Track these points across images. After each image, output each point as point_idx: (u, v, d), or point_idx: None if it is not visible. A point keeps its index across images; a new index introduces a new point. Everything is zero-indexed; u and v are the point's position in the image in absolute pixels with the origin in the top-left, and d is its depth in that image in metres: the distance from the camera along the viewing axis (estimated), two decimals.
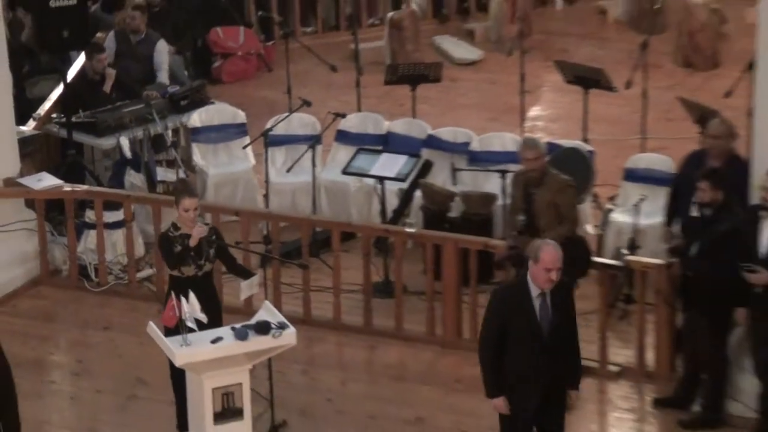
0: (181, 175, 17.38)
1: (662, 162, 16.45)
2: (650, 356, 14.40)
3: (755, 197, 13.13)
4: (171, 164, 17.64)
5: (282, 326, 12.32)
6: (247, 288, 13.29)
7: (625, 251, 14.84)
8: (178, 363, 12.23)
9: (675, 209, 14.48)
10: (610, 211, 16.37)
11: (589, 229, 16.65)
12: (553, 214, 13.84)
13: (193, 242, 12.87)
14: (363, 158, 16.92)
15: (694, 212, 13.74)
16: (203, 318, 12.24)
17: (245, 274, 13.63)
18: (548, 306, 10.20)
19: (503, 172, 16.38)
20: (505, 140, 17.33)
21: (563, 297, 10.38)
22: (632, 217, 15.44)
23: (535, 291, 10.13)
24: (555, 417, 10.64)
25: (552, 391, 10.44)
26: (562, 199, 13.97)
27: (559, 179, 14.26)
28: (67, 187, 16.34)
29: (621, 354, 14.72)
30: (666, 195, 15.20)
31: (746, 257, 12.65)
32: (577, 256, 13.63)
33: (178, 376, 12.98)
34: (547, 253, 10.07)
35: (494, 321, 10.44)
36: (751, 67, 14.48)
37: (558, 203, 13.91)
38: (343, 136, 18.00)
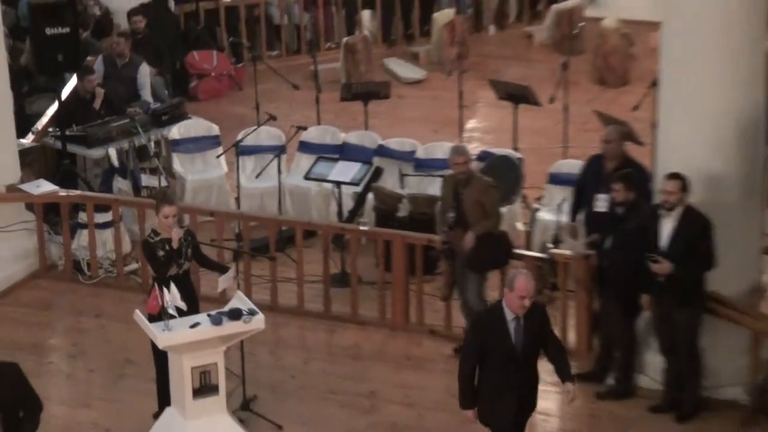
0: (163, 181, 17.46)
1: (584, 168, 15.73)
2: (571, 336, 14.54)
3: (657, 198, 13.23)
4: (154, 171, 17.60)
5: (252, 313, 12.42)
6: (224, 281, 13.32)
7: (549, 245, 14.98)
8: (160, 345, 12.21)
9: (578, 206, 14.67)
10: (536, 210, 16.38)
11: (519, 226, 16.70)
12: (479, 211, 13.89)
13: (175, 244, 12.90)
14: (322, 165, 16.93)
15: (597, 208, 14.20)
16: (183, 306, 12.34)
17: (220, 268, 13.68)
18: (522, 328, 10.09)
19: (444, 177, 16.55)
20: (446, 149, 16.16)
21: (538, 318, 10.28)
22: (555, 216, 15.47)
23: (510, 315, 10.04)
24: (521, 423, 10.57)
25: (525, 403, 10.42)
26: (487, 198, 14.05)
27: (483, 181, 14.44)
28: (62, 192, 16.38)
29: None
30: (573, 196, 15.30)
31: (650, 250, 12.83)
32: (499, 249, 14.12)
33: (159, 357, 12.94)
34: (520, 282, 10.00)
35: (474, 342, 10.41)
36: (654, 84, 14.76)
37: (483, 202, 13.97)
38: (304, 147, 18.00)
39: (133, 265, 16.24)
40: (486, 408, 10.38)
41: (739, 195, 13.26)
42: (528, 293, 10.01)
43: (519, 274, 10.26)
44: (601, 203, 14.18)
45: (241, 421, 12.86)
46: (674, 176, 12.63)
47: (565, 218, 15.37)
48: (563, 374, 10.60)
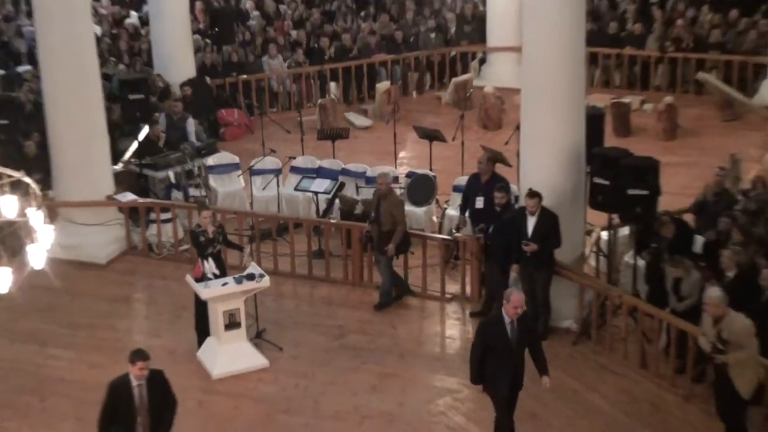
0: (203, 193, 17.70)
1: (467, 182, 15.39)
2: (468, 288, 14.84)
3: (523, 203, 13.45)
4: (197, 187, 17.79)
5: (261, 276, 13.12)
6: (245, 257, 13.76)
7: (454, 231, 15.21)
8: (203, 297, 12.94)
9: (465, 205, 14.79)
10: (445, 209, 16.67)
11: (435, 219, 17.01)
12: (389, 217, 14.15)
13: (210, 234, 13.28)
14: (305, 181, 16.99)
15: (476, 206, 14.40)
16: (216, 272, 13.27)
17: (239, 248, 14.07)
18: (516, 329, 10.05)
19: None
20: (383, 171, 16.45)
21: (527, 322, 10.23)
22: (457, 212, 15.50)
23: (507, 320, 9.99)
24: (515, 395, 10.45)
25: (516, 381, 10.35)
26: (396, 210, 14.28)
27: (395, 197, 14.81)
28: (140, 200, 16.52)
29: (453, 288, 15.00)
30: (461, 199, 15.45)
31: (521, 237, 13.02)
32: (405, 240, 14.32)
33: (199, 306, 13.40)
34: (514, 297, 9.97)
35: (481, 338, 10.27)
36: (517, 128, 14.81)
37: (393, 212, 14.17)
38: (294, 169, 17.96)
39: (185, 246, 16.31)
40: (490, 383, 10.37)
41: (570, 199, 13.66)
42: (520, 304, 9.99)
43: (514, 291, 10.27)
44: (479, 203, 14.38)
45: (256, 345, 13.35)
46: (533, 195, 12.94)
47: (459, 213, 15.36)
48: (540, 368, 10.41)
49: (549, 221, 13.07)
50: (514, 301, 9.94)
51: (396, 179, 16.89)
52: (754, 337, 10.37)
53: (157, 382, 9.91)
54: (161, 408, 9.91)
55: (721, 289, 10.73)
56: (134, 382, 9.41)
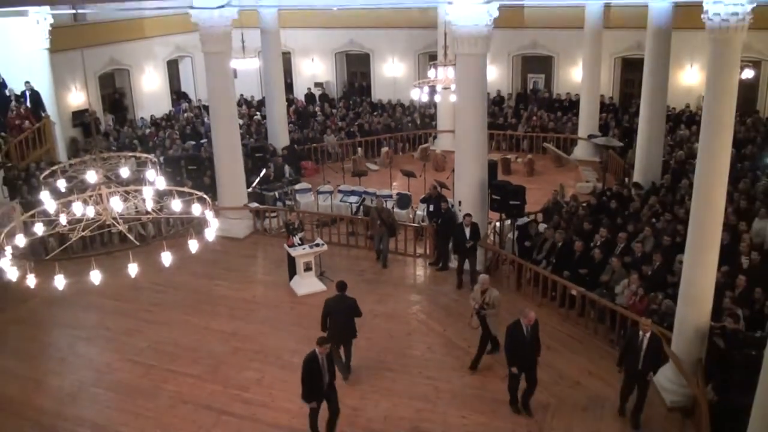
0: (292, 203, 17.15)
1: (427, 197, 14.70)
2: (428, 249, 14.35)
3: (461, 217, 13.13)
4: (289, 200, 17.26)
5: (322, 244, 13.36)
6: (299, 235, 13.37)
7: (421, 222, 14.99)
8: (293, 255, 13.09)
9: (427, 209, 14.43)
10: (416, 211, 16.04)
11: (410, 216, 16.15)
12: (388, 220, 13.91)
13: (296, 224, 13.37)
14: (345, 197, 16.72)
15: (431, 209, 14.20)
16: (299, 242, 13.24)
17: (302, 230, 13.69)
18: (529, 332, 8.95)
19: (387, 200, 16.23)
20: (387, 192, 16.90)
21: (534, 328, 8.99)
22: (423, 213, 15.13)
23: (524, 326, 8.91)
24: (530, 374, 9.11)
25: (530, 364, 9.07)
26: (388, 218, 13.94)
27: (387, 210, 14.34)
28: (260, 206, 16.19)
29: (419, 250, 14.50)
30: (425, 206, 14.79)
31: (463, 239, 12.71)
32: (394, 228, 14.05)
33: (290, 261, 13.25)
34: (530, 315, 8.93)
35: (508, 338, 9.04)
36: (453, 170, 14.40)
37: (389, 219, 13.95)
38: (340, 191, 17.21)
39: (282, 230, 15.33)
40: (518, 367, 9.05)
41: (480, 206, 13.32)
42: (532, 319, 8.91)
43: (528, 310, 9.06)
44: (432, 208, 14.20)
45: (319, 279, 13.11)
46: (469, 215, 12.78)
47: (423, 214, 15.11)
48: (537, 352, 9.25)
49: (476, 229, 12.83)
50: (528, 316, 8.95)
51: (390, 196, 16.79)
52: (500, 301, 10.14)
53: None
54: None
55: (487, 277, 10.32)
56: (319, 357, 8.40)
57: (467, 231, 12.73)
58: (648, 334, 8.67)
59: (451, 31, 12.65)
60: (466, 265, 13.04)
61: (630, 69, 22.94)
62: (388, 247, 14.36)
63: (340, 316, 9.93)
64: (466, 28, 12.14)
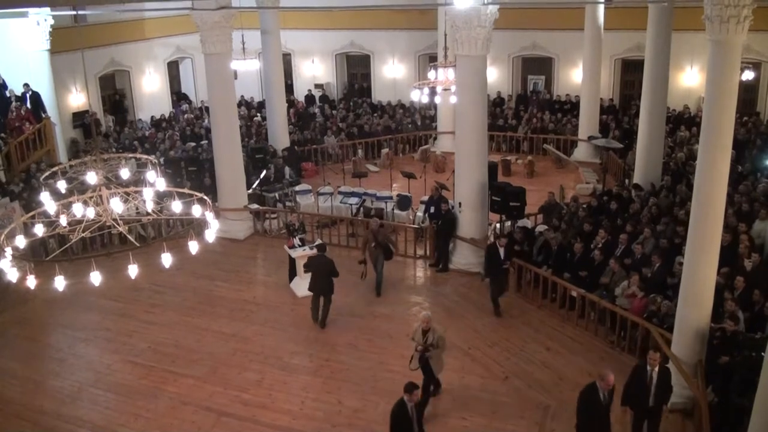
0: (293, 204, 17.06)
1: (427, 198, 15.25)
2: (427, 252, 14.35)
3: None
4: (290, 201, 17.23)
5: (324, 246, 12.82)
6: (299, 236, 13.27)
7: (421, 224, 14.87)
8: (293, 256, 12.91)
9: (427, 210, 14.45)
10: (416, 212, 16.03)
11: (410, 217, 16.13)
12: (385, 241, 12.71)
13: (297, 225, 13.34)
14: (345, 198, 16.64)
15: (429, 211, 14.26)
16: (300, 243, 13.16)
17: (304, 231, 13.47)
18: (606, 398, 7.61)
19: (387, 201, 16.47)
20: (387, 194, 16.93)
21: (611, 394, 7.72)
22: (422, 214, 15.05)
23: (601, 391, 7.55)
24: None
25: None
26: (383, 238, 12.70)
27: (383, 231, 13.01)
28: (260, 208, 16.18)
29: (419, 251, 14.48)
30: (424, 207, 14.96)
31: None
32: (389, 250, 12.84)
33: (290, 261, 13.17)
34: (610, 378, 7.59)
35: (582, 404, 7.72)
36: (453, 171, 14.61)
37: (383, 241, 12.66)
38: (340, 192, 17.12)
39: (282, 231, 15.38)
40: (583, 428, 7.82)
41: (480, 207, 13.42)
42: (611, 383, 7.59)
43: (610, 374, 7.61)
44: (432, 210, 14.18)
45: None
46: (504, 237, 12.21)
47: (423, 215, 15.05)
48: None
49: (510, 250, 12.01)
50: (607, 381, 7.63)
51: (391, 198, 16.76)
52: (445, 339, 9.16)
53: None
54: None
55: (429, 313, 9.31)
56: (408, 405, 7.61)
57: (501, 252, 11.70)
58: (657, 368, 7.99)
59: (451, 16, 12.33)
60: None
61: (630, 70, 22.94)
62: (383, 273, 12.94)
63: (318, 274, 11.54)
64: (464, 13, 11.96)
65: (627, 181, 16.75)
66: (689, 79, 21.91)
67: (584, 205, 14.50)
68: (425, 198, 15.78)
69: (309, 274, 12.90)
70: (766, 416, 6.28)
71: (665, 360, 8.60)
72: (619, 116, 22.20)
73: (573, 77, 23.43)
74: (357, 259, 13.28)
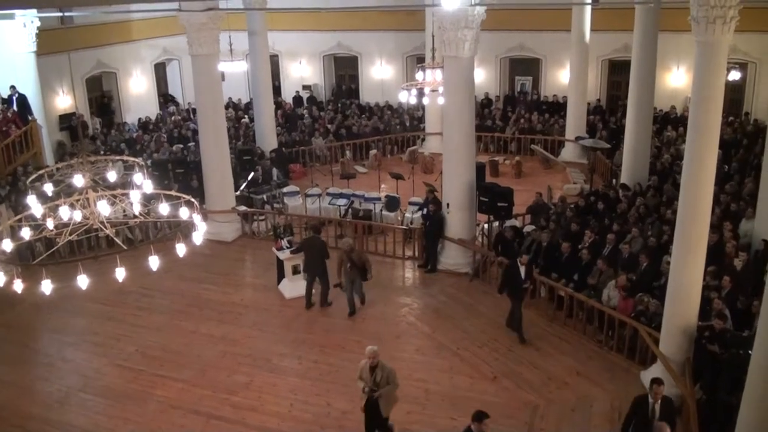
0: (281, 206, 17.07)
1: (417, 199, 15.96)
2: (416, 252, 14.35)
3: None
4: (278, 203, 17.31)
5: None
6: (287, 238, 13.12)
7: (410, 224, 15.02)
8: (281, 257, 12.81)
9: (420, 210, 14.71)
10: (404, 213, 16.04)
11: (398, 218, 15.93)
12: (360, 262, 11.79)
13: (283, 227, 13.39)
14: (334, 199, 16.66)
15: (423, 213, 14.30)
16: (288, 245, 12.99)
17: (291, 233, 13.50)
18: (658, 409, 7.32)
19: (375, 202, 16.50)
20: (375, 195, 16.96)
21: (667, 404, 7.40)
22: (411, 215, 15.37)
23: (651, 401, 7.36)
24: None
25: None
26: (359, 257, 11.91)
27: (358, 251, 12.42)
28: (248, 210, 16.17)
29: (408, 252, 14.47)
30: (418, 208, 15.10)
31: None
32: (364, 272, 11.92)
33: (279, 264, 13.09)
34: (659, 388, 7.29)
35: (633, 410, 7.48)
36: (441, 173, 14.23)
37: (359, 260, 11.80)
38: (328, 194, 17.07)
39: (270, 233, 15.10)
40: None
41: (468, 208, 13.44)
42: (660, 393, 7.28)
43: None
44: (424, 211, 14.27)
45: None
46: (526, 255, 11.50)
47: (414, 216, 15.30)
48: None
49: (530, 270, 11.27)
50: (657, 392, 7.34)
51: (379, 199, 16.76)
52: (396, 377, 8.13)
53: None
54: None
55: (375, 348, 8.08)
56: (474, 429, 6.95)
57: (522, 271, 10.92)
58: (659, 400, 7.40)
59: (438, 17, 12.27)
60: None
61: (617, 71, 23.06)
62: (362, 290, 12.28)
63: (311, 254, 12.01)
64: (452, 14, 11.95)
65: (614, 181, 16.91)
66: (676, 79, 22.05)
67: (572, 205, 14.53)
68: (414, 199, 15.88)
69: (298, 276, 12.96)
70: (753, 413, 6.31)
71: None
72: (606, 117, 22.32)
73: (560, 78, 23.50)
74: (333, 283, 12.29)
